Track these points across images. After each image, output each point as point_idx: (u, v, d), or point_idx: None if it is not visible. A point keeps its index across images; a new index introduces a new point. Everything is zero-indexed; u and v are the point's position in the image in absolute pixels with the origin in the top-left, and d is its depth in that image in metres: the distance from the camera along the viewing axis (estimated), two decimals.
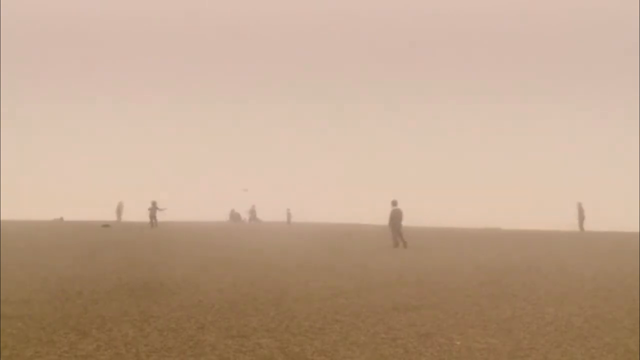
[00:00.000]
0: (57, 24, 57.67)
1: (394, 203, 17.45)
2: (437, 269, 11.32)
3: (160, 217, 28.28)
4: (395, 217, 17.28)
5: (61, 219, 38.49)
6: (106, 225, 27.58)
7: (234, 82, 67.85)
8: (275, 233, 24.02)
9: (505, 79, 61.94)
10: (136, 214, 33.00)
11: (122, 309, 7.04)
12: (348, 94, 66.85)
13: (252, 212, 41.10)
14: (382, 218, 18.28)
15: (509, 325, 6.24)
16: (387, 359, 4.95)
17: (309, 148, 64.66)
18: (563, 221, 29.17)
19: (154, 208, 27.52)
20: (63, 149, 62.74)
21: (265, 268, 11.30)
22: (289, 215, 38.22)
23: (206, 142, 66.03)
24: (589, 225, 28.26)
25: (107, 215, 38.27)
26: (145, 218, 28.56)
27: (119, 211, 38.26)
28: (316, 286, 9.02)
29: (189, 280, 9.61)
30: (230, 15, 63.20)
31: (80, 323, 6.22)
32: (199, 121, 66.74)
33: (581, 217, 26.81)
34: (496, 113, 61.08)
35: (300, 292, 8.46)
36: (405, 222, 17.75)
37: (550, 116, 60.66)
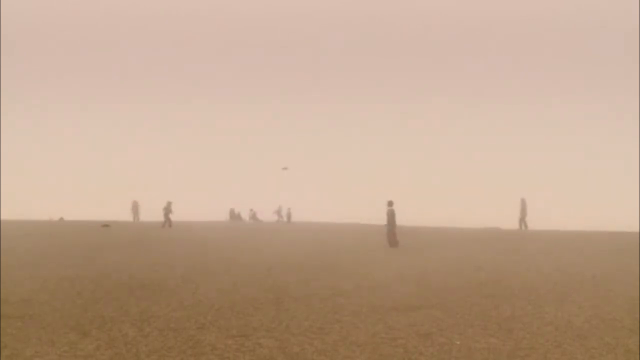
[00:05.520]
0: (58, 24, 57.70)
1: (390, 203, 17.56)
2: (437, 269, 11.32)
3: (158, 216, 28.20)
4: (392, 217, 17.41)
5: (61, 219, 38.48)
6: (106, 225, 27.58)
7: (234, 82, 67.90)
8: (275, 232, 24.01)
9: (507, 80, 61.96)
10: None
11: (122, 309, 7.04)
12: (347, 94, 66.93)
13: (255, 211, 40.93)
14: (381, 218, 18.30)
15: (509, 325, 6.24)
16: (387, 359, 4.96)
17: (309, 148, 64.67)
18: (561, 220, 29.10)
19: (168, 208, 27.32)
20: (63, 149, 62.79)
21: (265, 268, 11.30)
22: (289, 214, 38.15)
23: (206, 142, 66.08)
24: (586, 225, 28.04)
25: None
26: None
27: (134, 210, 37.56)
28: (316, 286, 9.02)
29: (189, 280, 9.61)
30: (230, 16, 63.26)
31: (80, 323, 6.22)
32: (198, 121, 66.78)
33: (523, 214, 25.79)
34: (495, 113, 61.11)
35: (300, 292, 8.46)
36: (405, 222, 17.78)
37: (550, 116, 60.72)
